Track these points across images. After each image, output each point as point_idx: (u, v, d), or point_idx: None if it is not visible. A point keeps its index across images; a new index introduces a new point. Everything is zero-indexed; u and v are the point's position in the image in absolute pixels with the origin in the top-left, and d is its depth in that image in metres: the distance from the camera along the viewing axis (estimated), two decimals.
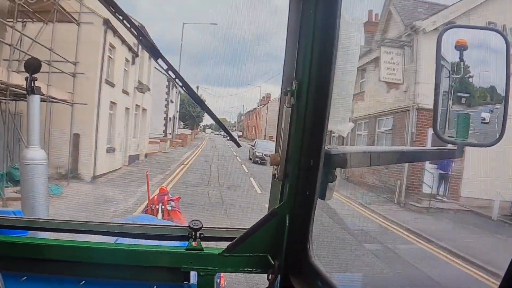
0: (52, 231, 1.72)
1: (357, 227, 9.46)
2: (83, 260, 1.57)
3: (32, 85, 2.02)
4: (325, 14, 1.41)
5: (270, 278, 1.52)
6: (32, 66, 2.07)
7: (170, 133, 37.06)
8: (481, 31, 1.64)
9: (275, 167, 1.53)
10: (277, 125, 1.60)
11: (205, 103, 1.84)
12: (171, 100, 36.29)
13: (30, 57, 8.25)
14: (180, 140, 35.19)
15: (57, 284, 1.58)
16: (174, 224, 2.84)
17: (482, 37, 1.61)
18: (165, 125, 34.39)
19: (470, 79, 1.60)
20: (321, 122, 1.44)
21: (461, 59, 1.57)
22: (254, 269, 1.56)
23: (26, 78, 2.03)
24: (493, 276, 5.79)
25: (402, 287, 5.90)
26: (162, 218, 3.52)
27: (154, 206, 3.97)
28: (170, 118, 37.35)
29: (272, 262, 1.52)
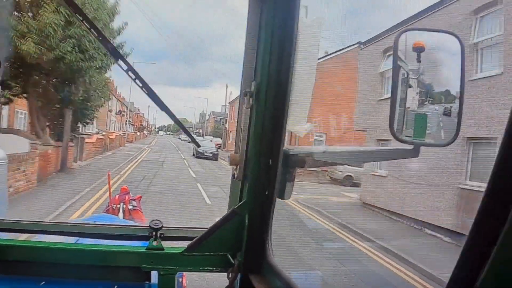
0: (11, 232, 1.70)
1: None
2: (43, 260, 1.56)
3: None
4: (284, 16, 1.43)
5: (230, 277, 1.53)
6: None
7: None
8: (437, 34, 1.67)
9: (234, 167, 1.54)
10: (237, 126, 1.61)
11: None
12: None
13: None
14: None
15: (17, 284, 1.57)
16: (134, 224, 2.84)
17: (438, 40, 1.66)
18: None
19: (427, 80, 1.64)
20: (280, 123, 1.46)
21: (419, 60, 1.61)
22: (214, 268, 1.58)
23: None
24: None
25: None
26: (123, 218, 3.50)
27: (115, 205, 3.93)
28: None
29: (232, 261, 1.54)
